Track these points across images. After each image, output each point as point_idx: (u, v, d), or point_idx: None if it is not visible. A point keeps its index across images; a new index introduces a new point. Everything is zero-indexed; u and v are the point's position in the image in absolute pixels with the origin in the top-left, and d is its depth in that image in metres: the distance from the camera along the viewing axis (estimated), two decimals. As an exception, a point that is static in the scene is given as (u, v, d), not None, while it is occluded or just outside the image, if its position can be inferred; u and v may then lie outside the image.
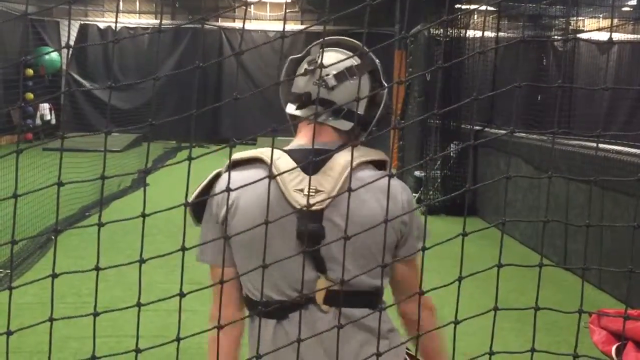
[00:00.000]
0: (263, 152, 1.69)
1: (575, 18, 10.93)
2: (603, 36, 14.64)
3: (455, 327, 1.35)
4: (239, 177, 1.61)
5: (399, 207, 1.67)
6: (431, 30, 9.97)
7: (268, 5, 19.18)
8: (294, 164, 1.63)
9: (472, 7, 10.15)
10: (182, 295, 1.26)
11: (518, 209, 7.99)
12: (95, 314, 1.25)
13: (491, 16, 11.05)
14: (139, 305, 1.28)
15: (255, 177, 1.54)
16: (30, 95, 16.35)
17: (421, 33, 10.29)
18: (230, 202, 1.66)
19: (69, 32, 1.27)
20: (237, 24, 19.12)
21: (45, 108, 17.50)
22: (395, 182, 1.71)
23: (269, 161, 1.62)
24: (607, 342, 4.65)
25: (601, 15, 13.80)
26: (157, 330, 4.47)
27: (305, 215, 1.60)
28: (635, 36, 15.25)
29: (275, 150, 1.60)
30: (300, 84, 1.76)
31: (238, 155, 1.68)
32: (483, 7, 9.76)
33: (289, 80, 1.79)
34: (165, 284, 5.35)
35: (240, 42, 1.36)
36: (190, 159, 1.19)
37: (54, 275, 1.16)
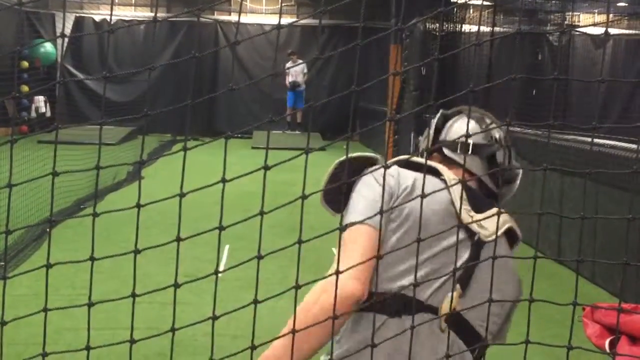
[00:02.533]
0: (437, 166, 1.83)
1: (570, 13, 10.93)
2: (598, 31, 14.65)
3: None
4: (413, 173, 1.77)
5: (519, 289, 1.88)
6: (427, 24, 9.96)
7: (264, -1, 19.16)
8: (464, 193, 1.75)
9: (468, 1, 10.15)
10: (176, 286, 1.26)
11: (512, 203, 8.00)
12: (90, 305, 1.25)
13: (487, 10, 11.06)
14: (133, 296, 1.28)
15: (429, 179, 1.70)
16: (25, 88, 16.29)
17: (417, 28, 10.28)
18: (407, 186, 1.74)
19: (64, 23, 1.27)
20: (233, 17, 19.08)
21: (40, 100, 17.44)
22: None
23: (444, 175, 1.78)
24: (600, 336, 4.67)
25: (596, 11, 13.81)
26: (151, 322, 4.47)
27: (472, 235, 1.74)
28: (630, 31, 15.28)
29: (449, 171, 1.82)
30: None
31: (414, 159, 1.83)
32: (479, 2, 9.76)
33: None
34: (159, 276, 5.35)
35: (235, 34, 1.36)
36: (185, 149, 1.19)
37: (49, 266, 1.16)
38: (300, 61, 16.64)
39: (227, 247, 6.39)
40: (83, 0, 18.44)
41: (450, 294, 1.65)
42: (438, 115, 2.01)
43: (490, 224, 1.73)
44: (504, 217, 1.81)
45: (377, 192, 1.67)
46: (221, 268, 5.65)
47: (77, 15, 18.45)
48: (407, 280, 1.63)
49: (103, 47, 18.25)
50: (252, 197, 5.53)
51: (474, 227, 1.73)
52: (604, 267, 5.77)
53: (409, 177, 1.75)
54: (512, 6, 11.60)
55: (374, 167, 1.76)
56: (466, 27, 10.18)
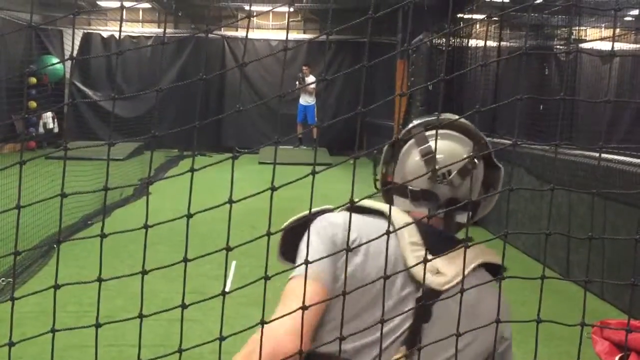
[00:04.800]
0: (387, 209, 1.58)
1: (577, 28, 10.92)
2: (605, 46, 14.65)
3: (457, 340, 1.34)
4: (361, 220, 1.59)
5: (506, 323, 1.58)
6: (433, 39, 9.99)
7: (270, 15, 19.24)
8: (418, 235, 1.57)
9: (475, 16, 10.18)
10: (184, 307, 1.26)
11: (520, 218, 7.98)
12: (98, 325, 1.24)
13: (493, 25, 11.07)
14: (141, 316, 1.27)
15: (378, 226, 1.54)
16: (33, 104, 16.39)
17: (423, 42, 10.30)
18: (353, 239, 1.55)
19: (73, 41, 1.28)
20: (240, 33, 19.17)
21: (48, 116, 17.55)
22: (504, 299, 1.54)
23: (393, 219, 1.55)
24: (609, 353, 4.63)
25: (603, 25, 13.81)
26: (158, 339, 4.46)
27: (423, 289, 1.52)
28: (638, 46, 15.27)
29: (402, 214, 1.62)
30: (414, 175, 1.66)
31: (363, 202, 1.60)
32: (485, 17, 9.77)
33: (400, 167, 1.72)
34: (166, 293, 5.34)
35: (243, 54, 1.36)
36: (192, 170, 1.19)
37: (57, 287, 1.16)
38: (312, 77, 16.71)
39: (234, 263, 6.38)
40: (91, 17, 18.57)
41: (393, 357, 1.50)
42: (386, 146, 1.78)
43: (450, 268, 1.54)
44: (475, 251, 1.58)
45: (325, 244, 1.57)
46: (228, 283, 5.64)
47: (85, 31, 18.58)
48: (350, 343, 1.50)
49: (110, 63, 18.35)
50: (258, 214, 5.53)
51: (427, 276, 1.52)
52: (613, 284, 5.74)
53: (355, 227, 1.55)
54: (518, 21, 11.61)
55: (322, 215, 1.64)
56: (473, 42, 10.20)
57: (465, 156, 1.66)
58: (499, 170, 1.78)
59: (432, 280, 1.52)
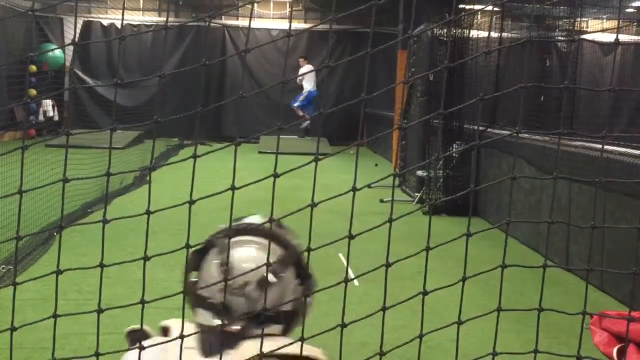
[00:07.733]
0: (174, 324, 1.58)
1: (579, 19, 10.89)
2: (607, 37, 14.62)
3: (458, 328, 1.35)
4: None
5: None
6: (434, 30, 9.96)
7: (272, 4, 19.20)
8: (195, 341, 1.53)
9: (477, 7, 10.15)
10: (185, 293, 1.26)
11: (520, 209, 7.98)
12: (100, 311, 1.25)
13: (495, 16, 11.04)
14: (142, 302, 1.28)
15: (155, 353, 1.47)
16: (33, 92, 16.35)
17: (424, 33, 10.28)
18: None
19: (75, 25, 1.27)
20: (240, 22, 19.13)
21: (48, 104, 17.53)
22: None
23: (172, 332, 1.53)
24: (608, 344, 4.64)
25: (605, 17, 13.78)
26: (157, 327, 4.47)
27: None
28: (639, 37, 15.25)
29: (188, 324, 1.48)
30: (213, 288, 1.55)
31: (164, 322, 1.63)
32: (487, 7, 9.74)
33: (194, 279, 1.60)
34: (166, 281, 5.36)
35: (246, 42, 1.36)
36: (195, 156, 1.19)
37: (58, 272, 1.16)
38: (310, 66, 16.67)
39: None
40: (91, 5, 18.52)
41: None
42: (191, 254, 1.60)
43: None
44: (271, 342, 1.42)
45: None
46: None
47: (85, 19, 18.52)
48: None
49: (111, 51, 18.31)
50: (259, 203, 5.52)
51: None
52: (612, 274, 5.75)
53: None
54: (520, 12, 11.58)
55: None
56: (474, 32, 10.17)
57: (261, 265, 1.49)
58: (310, 278, 1.61)
59: None
